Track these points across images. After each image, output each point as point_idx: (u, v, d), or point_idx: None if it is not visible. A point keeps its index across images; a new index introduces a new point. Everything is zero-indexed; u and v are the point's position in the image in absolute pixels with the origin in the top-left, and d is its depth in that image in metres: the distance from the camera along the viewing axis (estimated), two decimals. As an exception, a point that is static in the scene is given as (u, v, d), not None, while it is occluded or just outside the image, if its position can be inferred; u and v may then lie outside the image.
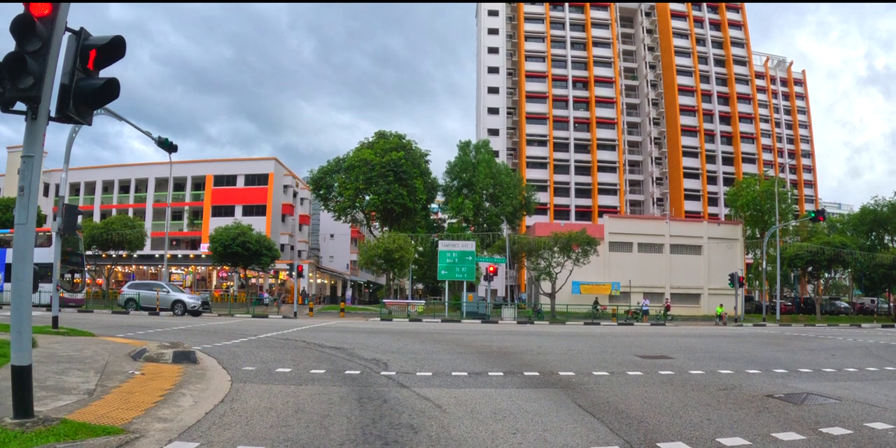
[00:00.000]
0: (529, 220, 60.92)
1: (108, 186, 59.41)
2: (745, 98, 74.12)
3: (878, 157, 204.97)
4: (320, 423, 5.05)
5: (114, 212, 53.48)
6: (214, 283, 53.58)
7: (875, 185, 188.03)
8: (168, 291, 28.86)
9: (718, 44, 74.89)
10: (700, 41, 74.13)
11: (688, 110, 71.69)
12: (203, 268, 52.95)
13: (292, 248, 59.79)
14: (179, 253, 53.13)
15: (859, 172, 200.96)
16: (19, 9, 4.29)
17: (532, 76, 71.36)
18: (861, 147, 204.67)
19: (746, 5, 76.86)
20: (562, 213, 68.22)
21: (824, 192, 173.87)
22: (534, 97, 71.01)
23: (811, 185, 79.27)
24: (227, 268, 43.89)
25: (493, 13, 73.92)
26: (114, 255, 42.92)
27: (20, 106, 4.42)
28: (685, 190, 69.57)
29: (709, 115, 72.67)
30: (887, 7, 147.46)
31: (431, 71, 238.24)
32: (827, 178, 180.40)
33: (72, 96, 4.55)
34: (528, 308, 36.52)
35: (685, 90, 72.04)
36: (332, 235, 64.61)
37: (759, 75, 77.13)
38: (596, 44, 72.88)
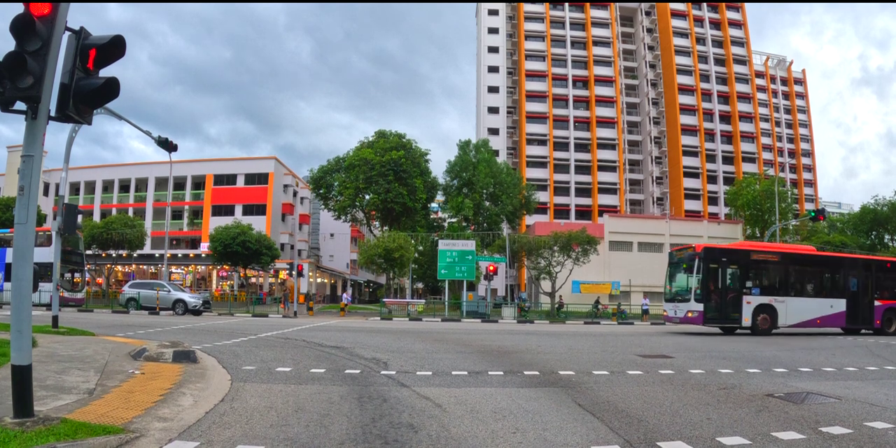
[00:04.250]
0: (529, 220, 60.93)
1: (108, 186, 59.43)
2: (745, 97, 74.11)
3: (874, 157, 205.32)
4: (320, 423, 5.05)
5: (114, 211, 53.52)
6: (214, 282, 53.60)
7: (871, 184, 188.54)
8: (169, 291, 28.85)
9: (718, 43, 74.86)
10: (700, 40, 74.10)
11: (688, 109, 71.68)
12: (203, 267, 52.98)
13: (292, 247, 59.82)
14: (179, 252, 53.18)
15: (855, 172, 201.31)
16: (19, 9, 4.29)
17: (532, 75, 71.34)
18: (856, 147, 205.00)
19: (746, 5, 76.85)
20: (562, 212, 68.24)
21: (822, 191, 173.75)
22: (534, 96, 70.99)
23: (811, 184, 79.27)
24: (227, 267, 43.92)
25: (493, 12, 73.91)
26: (114, 255, 42.94)
27: (20, 105, 4.41)
28: (685, 189, 69.57)
29: (709, 115, 72.67)
30: (882, 6, 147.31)
31: (429, 72, 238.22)
32: (824, 177, 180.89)
33: (72, 96, 4.55)
34: (527, 309, 36.54)
35: (685, 89, 72.03)
36: (332, 235, 64.64)
37: (759, 74, 77.11)
38: (596, 43, 72.86)
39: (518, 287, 60.51)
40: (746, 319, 18.66)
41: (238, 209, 54.50)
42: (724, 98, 73.74)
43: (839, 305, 20.08)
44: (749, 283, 19.34)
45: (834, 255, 25.13)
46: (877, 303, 20.61)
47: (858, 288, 20.79)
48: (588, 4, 73.03)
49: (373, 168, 44.52)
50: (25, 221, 4.50)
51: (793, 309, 19.31)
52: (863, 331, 21.12)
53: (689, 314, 19.03)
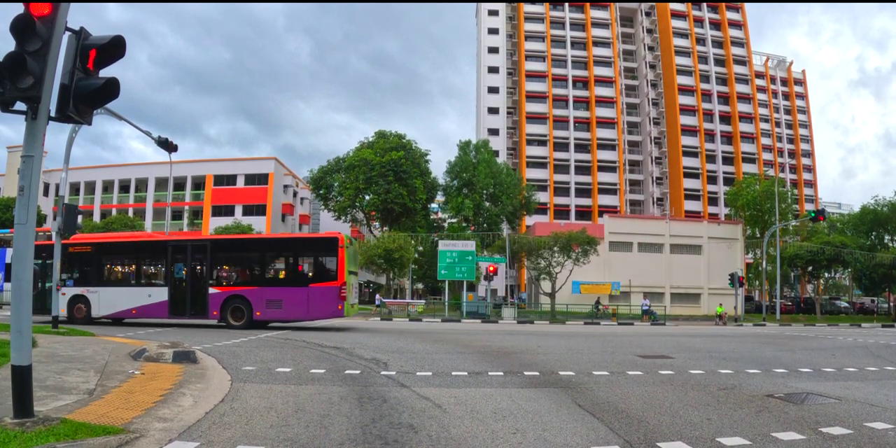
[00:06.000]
0: (529, 220, 60.91)
1: (108, 186, 59.42)
2: (744, 98, 74.10)
3: (872, 157, 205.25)
4: (320, 423, 5.05)
5: (114, 211, 53.52)
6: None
7: (870, 185, 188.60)
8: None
9: (718, 43, 74.86)
10: (700, 41, 74.10)
11: (688, 110, 71.67)
12: (203, 267, 52.92)
13: (292, 247, 59.72)
14: (179, 253, 53.11)
15: (853, 173, 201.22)
16: (19, 9, 4.29)
17: (532, 76, 71.33)
18: (854, 148, 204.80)
19: (745, 5, 76.86)
20: (562, 212, 68.21)
21: (822, 191, 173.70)
22: (534, 97, 70.99)
23: (811, 184, 79.24)
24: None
25: (493, 13, 73.90)
26: (114, 255, 42.87)
27: (20, 106, 4.41)
28: (685, 189, 69.56)
29: (709, 115, 72.65)
30: (880, 6, 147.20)
31: (428, 73, 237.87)
32: (823, 178, 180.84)
33: (72, 96, 4.55)
34: (527, 308, 36.52)
35: (685, 90, 72.02)
36: (332, 235, 64.48)
37: (759, 75, 77.09)
38: (596, 43, 72.86)
39: (518, 287, 60.51)
40: (62, 310, 17.90)
41: (238, 209, 54.52)
42: (724, 98, 73.73)
43: (160, 294, 18.41)
44: (65, 276, 18.57)
45: (149, 238, 22.42)
46: (213, 290, 18.29)
47: (186, 274, 18.79)
48: (588, 5, 73.02)
49: (373, 168, 44.51)
50: (25, 222, 4.50)
51: (105, 299, 18.66)
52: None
53: None
